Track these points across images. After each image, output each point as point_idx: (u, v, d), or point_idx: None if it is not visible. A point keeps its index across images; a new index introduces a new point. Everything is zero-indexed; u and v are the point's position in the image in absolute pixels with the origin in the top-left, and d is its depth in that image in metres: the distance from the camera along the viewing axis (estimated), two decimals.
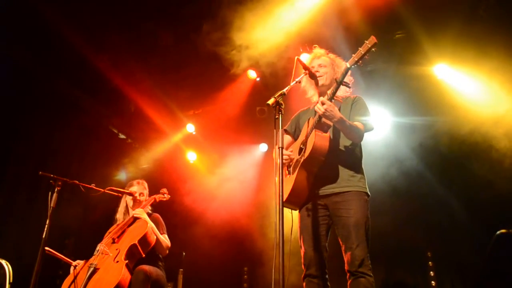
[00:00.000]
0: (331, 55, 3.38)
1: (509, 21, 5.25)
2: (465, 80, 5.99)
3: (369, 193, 3.05)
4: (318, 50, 3.43)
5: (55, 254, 3.80)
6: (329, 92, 3.00)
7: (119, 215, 4.35)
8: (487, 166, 5.58)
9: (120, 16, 5.61)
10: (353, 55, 2.86)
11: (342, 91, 3.29)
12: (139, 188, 4.36)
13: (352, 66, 2.88)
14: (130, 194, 4.28)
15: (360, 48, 2.81)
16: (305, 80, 3.34)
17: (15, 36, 5.48)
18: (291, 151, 3.22)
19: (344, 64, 3.25)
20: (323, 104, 2.83)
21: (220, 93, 6.90)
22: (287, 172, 3.22)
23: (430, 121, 6.41)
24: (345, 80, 3.01)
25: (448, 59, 5.97)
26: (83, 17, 5.47)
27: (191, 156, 8.17)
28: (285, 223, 2.44)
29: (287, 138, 3.47)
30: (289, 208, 3.15)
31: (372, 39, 2.74)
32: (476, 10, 5.36)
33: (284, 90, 2.79)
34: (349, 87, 3.14)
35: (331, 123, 2.95)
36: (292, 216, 3.15)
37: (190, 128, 7.85)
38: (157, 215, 4.33)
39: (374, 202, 3.14)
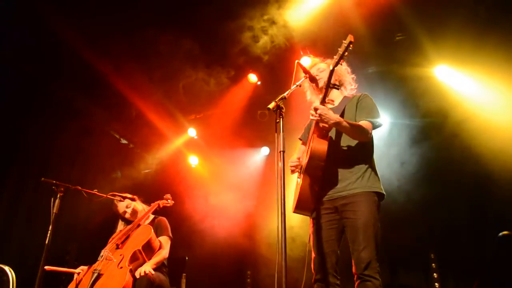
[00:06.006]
0: (328, 60, 3.39)
1: (508, 22, 5.26)
2: (466, 81, 5.99)
3: (383, 192, 2.99)
4: (314, 59, 3.50)
5: (56, 269, 3.78)
6: (320, 96, 3.02)
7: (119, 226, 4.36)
8: (490, 167, 5.56)
9: (122, 21, 5.63)
10: (334, 56, 2.89)
11: (348, 91, 3.35)
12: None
13: (335, 68, 2.92)
14: (133, 199, 4.28)
15: (339, 49, 2.84)
16: (309, 91, 3.40)
17: (18, 41, 5.51)
18: (298, 158, 3.23)
19: (340, 67, 3.28)
20: (316, 109, 2.83)
21: (221, 97, 6.92)
22: (297, 178, 3.23)
23: (432, 123, 6.41)
24: (342, 80, 3.17)
25: (448, 60, 5.97)
26: (85, 22, 5.49)
27: (193, 160, 8.19)
28: (305, 229, 2.44)
29: (302, 147, 3.46)
30: (300, 214, 3.14)
31: (349, 37, 2.79)
32: (476, 11, 5.37)
33: (285, 94, 2.81)
34: (338, 89, 3.20)
35: (329, 126, 2.94)
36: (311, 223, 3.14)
37: (192, 132, 7.87)
38: (162, 218, 4.31)
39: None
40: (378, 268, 2.75)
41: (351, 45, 2.78)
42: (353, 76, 3.39)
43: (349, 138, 3.04)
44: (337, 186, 2.99)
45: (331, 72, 2.92)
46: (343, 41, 2.82)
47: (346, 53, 2.82)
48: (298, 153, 3.41)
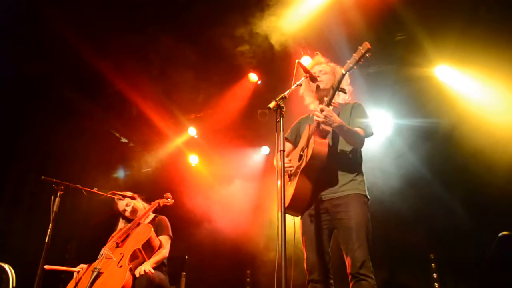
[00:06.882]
0: (332, 64, 3.42)
1: (509, 21, 5.25)
2: (467, 82, 5.98)
3: (368, 196, 3.06)
4: (319, 58, 3.47)
5: (55, 268, 3.79)
6: (326, 98, 3.05)
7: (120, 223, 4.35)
8: (490, 168, 5.56)
9: (122, 20, 5.63)
10: (347, 61, 2.90)
11: (342, 98, 3.35)
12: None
13: (347, 72, 2.92)
14: (133, 198, 4.27)
15: (354, 54, 2.85)
16: (304, 86, 3.38)
17: (18, 41, 5.51)
18: (290, 159, 3.23)
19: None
20: (322, 111, 2.85)
21: (222, 96, 6.91)
22: (288, 179, 3.23)
23: (432, 123, 6.40)
24: (343, 87, 3.11)
25: (449, 60, 5.97)
26: (85, 21, 5.49)
27: (193, 159, 8.19)
28: (287, 228, 2.44)
29: (288, 146, 3.48)
30: (290, 214, 3.15)
31: (366, 45, 2.77)
32: (477, 11, 5.37)
33: (285, 93, 2.81)
34: (345, 93, 3.18)
35: (329, 129, 2.97)
36: (294, 222, 3.14)
37: (192, 131, 7.87)
38: (163, 217, 4.32)
39: (377, 204, 3.15)
40: (371, 267, 2.78)
41: (368, 53, 2.78)
42: (350, 88, 3.40)
43: (344, 142, 3.10)
44: (331, 187, 3.03)
45: (343, 75, 2.95)
46: (359, 47, 2.81)
47: (362, 60, 2.82)
48: (287, 154, 3.40)
